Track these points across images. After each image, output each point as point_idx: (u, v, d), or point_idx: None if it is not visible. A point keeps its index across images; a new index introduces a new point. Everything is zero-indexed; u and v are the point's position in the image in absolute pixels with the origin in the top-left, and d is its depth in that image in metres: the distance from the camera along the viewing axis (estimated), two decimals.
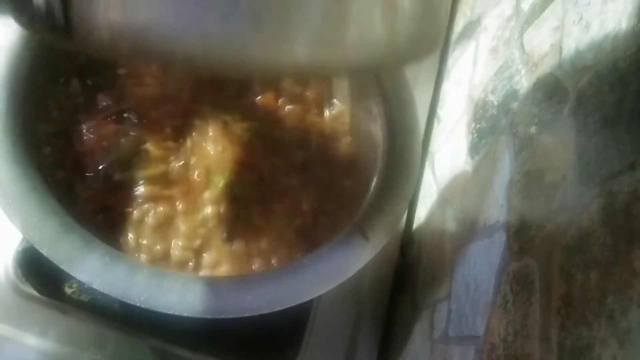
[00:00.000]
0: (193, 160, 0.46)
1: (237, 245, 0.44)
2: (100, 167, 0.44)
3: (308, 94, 0.51)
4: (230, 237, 0.44)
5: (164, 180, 0.45)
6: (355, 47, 0.21)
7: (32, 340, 0.47)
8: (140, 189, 0.44)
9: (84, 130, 0.45)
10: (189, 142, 0.47)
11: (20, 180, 0.36)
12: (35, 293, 0.48)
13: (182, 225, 0.43)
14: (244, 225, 0.45)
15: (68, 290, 0.49)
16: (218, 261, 0.43)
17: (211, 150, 0.47)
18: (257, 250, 0.44)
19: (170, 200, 0.44)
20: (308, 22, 0.19)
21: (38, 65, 0.41)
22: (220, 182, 0.45)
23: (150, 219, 0.43)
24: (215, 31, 0.19)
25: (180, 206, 0.44)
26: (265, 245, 0.44)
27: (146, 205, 0.43)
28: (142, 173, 0.44)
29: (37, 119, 0.42)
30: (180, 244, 0.43)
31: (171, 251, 0.43)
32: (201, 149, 0.47)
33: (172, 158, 0.45)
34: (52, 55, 0.42)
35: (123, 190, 0.44)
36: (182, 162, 0.45)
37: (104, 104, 0.46)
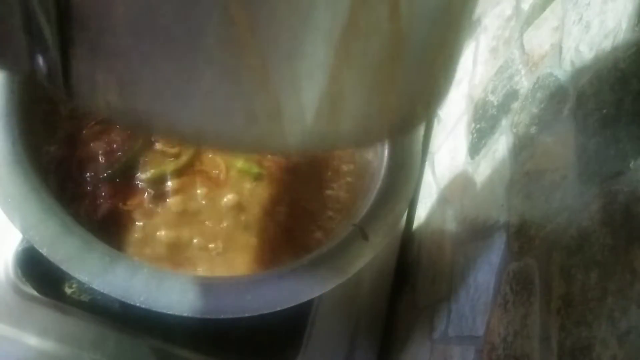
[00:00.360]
0: (205, 151, 0.46)
1: (254, 236, 0.45)
2: (110, 171, 0.44)
3: None
4: (248, 226, 0.44)
5: (183, 174, 0.45)
6: (349, 134, 0.21)
7: (32, 340, 0.47)
8: (167, 185, 0.44)
9: (89, 136, 0.45)
10: None
11: (20, 180, 0.36)
12: (35, 293, 0.48)
13: (204, 217, 0.44)
14: (261, 213, 0.45)
15: (68, 290, 0.49)
16: (236, 251, 0.44)
17: None
18: (272, 238, 0.45)
19: (191, 191, 0.45)
20: (300, 120, 0.20)
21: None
22: (237, 164, 0.46)
23: (171, 212, 0.43)
24: (210, 124, 0.20)
25: (202, 195, 0.45)
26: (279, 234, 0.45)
27: (170, 200, 0.44)
28: (162, 170, 0.45)
29: (37, 119, 0.42)
30: (201, 237, 0.43)
31: (193, 243, 0.43)
32: None
33: (184, 148, 0.46)
34: None
35: (141, 190, 0.44)
36: (194, 154, 0.46)
37: None
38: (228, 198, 0.45)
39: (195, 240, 0.43)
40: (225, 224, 0.44)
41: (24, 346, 0.47)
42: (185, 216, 0.44)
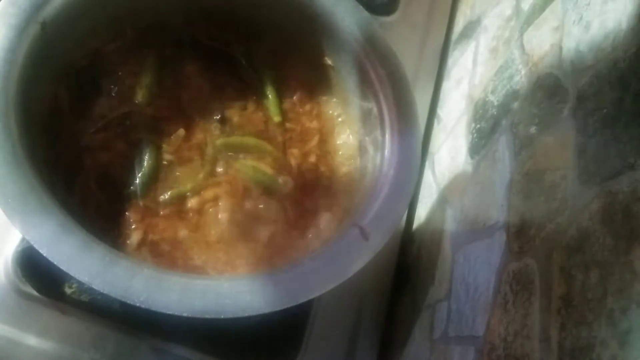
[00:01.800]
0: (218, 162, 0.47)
1: (263, 239, 0.45)
2: (131, 188, 0.44)
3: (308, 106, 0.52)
4: (260, 231, 0.45)
5: (201, 190, 0.45)
6: None
7: (32, 340, 0.47)
8: (188, 203, 0.45)
9: (93, 145, 0.45)
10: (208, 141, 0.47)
11: (20, 180, 0.36)
12: (35, 293, 0.48)
13: (226, 228, 0.44)
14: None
15: (68, 290, 0.49)
16: (244, 253, 0.44)
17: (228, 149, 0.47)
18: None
19: (212, 206, 0.45)
20: None
21: (32, 66, 0.41)
22: (255, 176, 0.47)
23: (194, 228, 0.44)
24: None
25: (223, 208, 0.45)
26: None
27: (191, 216, 0.44)
28: (179, 190, 0.45)
29: (37, 120, 0.42)
30: (225, 252, 0.44)
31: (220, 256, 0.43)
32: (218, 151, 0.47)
33: (196, 158, 0.46)
34: (47, 57, 0.42)
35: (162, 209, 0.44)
36: (210, 168, 0.46)
37: (103, 110, 0.46)
38: (248, 205, 0.45)
39: (221, 254, 0.43)
40: (242, 232, 0.45)
41: (24, 346, 0.46)
42: (207, 229, 0.44)
